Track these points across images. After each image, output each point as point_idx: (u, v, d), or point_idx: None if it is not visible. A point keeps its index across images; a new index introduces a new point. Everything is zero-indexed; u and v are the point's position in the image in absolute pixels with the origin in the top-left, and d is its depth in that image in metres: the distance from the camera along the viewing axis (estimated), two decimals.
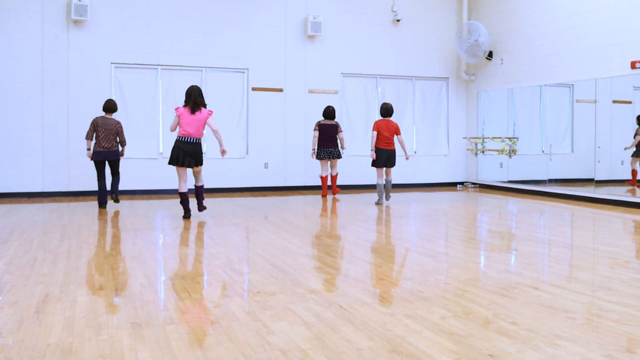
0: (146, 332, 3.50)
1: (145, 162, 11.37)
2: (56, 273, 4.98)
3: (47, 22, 10.83)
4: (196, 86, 7.99)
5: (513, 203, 10.79)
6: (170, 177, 11.61)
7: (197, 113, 7.88)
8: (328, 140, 10.92)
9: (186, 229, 7.48)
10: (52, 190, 10.96)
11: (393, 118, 12.26)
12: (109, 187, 9.59)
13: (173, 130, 8.07)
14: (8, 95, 10.68)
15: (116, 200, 9.43)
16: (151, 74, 11.59)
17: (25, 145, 10.79)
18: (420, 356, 3.13)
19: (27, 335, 3.43)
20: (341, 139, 11.04)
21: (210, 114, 8.00)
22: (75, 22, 10.94)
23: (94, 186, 11.08)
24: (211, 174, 11.06)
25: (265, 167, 12.30)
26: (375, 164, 9.92)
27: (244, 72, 12.16)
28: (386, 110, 9.99)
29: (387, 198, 10.11)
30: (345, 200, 10.81)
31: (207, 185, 11.51)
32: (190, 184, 8.87)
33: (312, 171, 12.55)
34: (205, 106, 8.00)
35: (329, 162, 11.16)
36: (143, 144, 11.21)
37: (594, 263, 5.65)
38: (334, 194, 11.28)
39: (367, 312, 3.91)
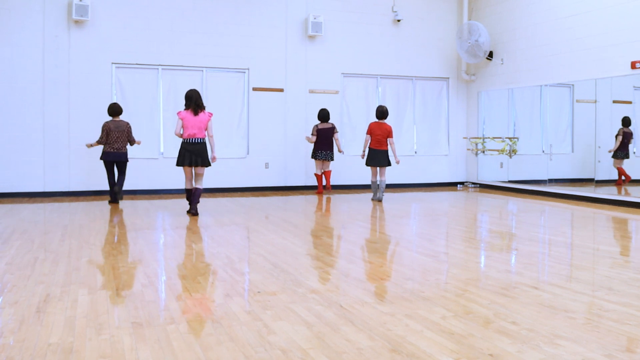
0: (147, 331, 3.51)
1: (146, 162, 11.37)
2: (57, 273, 4.99)
3: (48, 22, 10.85)
4: (195, 90, 8.37)
5: (513, 203, 10.80)
6: (171, 177, 11.65)
7: (200, 114, 8.20)
8: (325, 143, 11.49)
9: (187, 228, 7.49)
10: (53, 190, 10.98)
11: (391, 120, 12.41)
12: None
13: (178, 134, 8.30)
14: (9, 95, 10.69)
15: (119, 197, 9.76)
16: (152, 74, 11.60)
17: (26, 145, 10.80)
18: (421, 356, 3.14)
19: (28, 334, 3.44)
20: (337, 140, 11.51)
21: (211, 116, 8.30)
22: (76, 22, 10.95)
23: (94, 186, 11.12)
24: (212, 173, 11.06)
25: (265, 167, 12.31)
26: (367, 162, 10.44)
27: (244, 72, 12.17)
28: (380, 113, 10.38)
29: (380, 197, 10.43)
30: (345, 199, 10.82)
31: (208, 185, 11.52)
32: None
33: (312, 171, 12.56)
34: (204, 108, 8.31)
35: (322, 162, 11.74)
36: (144, 144, 11.18)
37: (594, 263, 5.65)
38: (327, 188, 11.83)
39: (367, 311, 3.92)
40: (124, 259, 5.66)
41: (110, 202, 9.91)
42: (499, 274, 5.05)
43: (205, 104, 11.63)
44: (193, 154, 8.17)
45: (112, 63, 11.30)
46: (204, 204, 10.04)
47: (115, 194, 9.71)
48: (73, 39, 11.00)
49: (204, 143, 8.26)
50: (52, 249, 6.04)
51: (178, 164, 8.29)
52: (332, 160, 11.63)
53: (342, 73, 12.87)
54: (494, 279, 4.88)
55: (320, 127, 11.48)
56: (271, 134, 12.33)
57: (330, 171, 11.85)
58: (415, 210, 9.82)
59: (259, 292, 4.44)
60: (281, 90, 12.39)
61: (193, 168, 8.36)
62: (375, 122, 10.37)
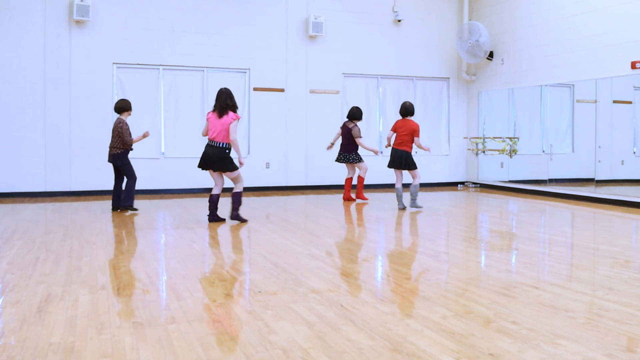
0: (148, 331, 3.52)
1: (147, 162, 11.38)
2: (58, 272, 5.00)
3: (49, 23, 10.86)
4: (225, 89, 7.75)
5: (514, 203, 10.80)
6: (172, 177, 11.66)
7: (225, 117, 7.61)
8: (343, 144, 10.52)
9: (188, 228, 7.50)
10: (54, 190, 10.99)
11: (391, 119, 12.18)
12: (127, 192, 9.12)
13: (204, 135, 7.84)
14: (10, 95, 10.70)
15: (122, 208, 8.98)
16: (153, 74, 11.61)
17: (28, 145, 10.81)
18: (422, 355, 3.15)
19: (29, 334, 3.45)
20: (361, 145, 10.34)
21: (234, 119, 7.63)
22: (77, 22, 10.96)
23: (95, 186, 11.14)
24: None
25: (266, 167, 12.31)
26: (389, 163, 9.48)
27: (245, 72, 12.18)
28: (405, 110, 9.41)
29: (411, 205, 9.43)
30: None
31: (209, 185, 11.51)
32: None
33: (313, 171, 12.58)
34: (235, 109, 7.68)
35: (352, 165, 10.65)
36: (145, 144, 11.19)
37: (595, 262, 5.66)
38: (356, 197, 10.62)
39: (368, 311, 3.93)
40: (125, 259, 5.67)
41: (112, 209, 9.09)
42: (499, 274, 5.06)
43: (205, 104, 11.78)
44: (209, 157, 7.66)
45: (113, 63, 11.31)
46: (204, 203, 10.04)
47: (116, 202, 9.03)
48: (74, 39, 11.01)
49: (223, 148, 7.62)
50: (53, 249, 6.05)
51: (198, 166, 7.85)
52: (352, 162, 10.43)
53: (343, 73, 12.88)
54: (495, 278, 4.89)
55: (345, 123, 10.53)
56: (272, 134, 12.33)
57: (361, 179, 10.56)
58: (415, 210, 9.81)
59: (259, 291, 4.45)
60: (282, 90, 12.40)
61: (214, 173, 7.84)
62: (401, 119, 9.43)
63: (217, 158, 7.68)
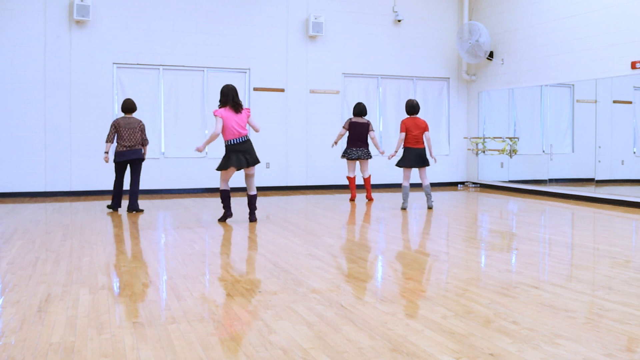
0: (148, 331, 3.52)
1: (147, 162, 11.27)
2: (58, 272, 5.00)
3: (50, 23, 10.86)
4: (231, 85, 7.63)
5: (514, 203, 10.80)
6: (172, 177, 11.66)
7: (242, 111, 7.55)
8: (358, 140, 10.38)
9: (188, 228, 7.50)
10: (54, 190, 10.99)
11: (391, 119, 12.15)
12: (125, 194, 9.18)
13: (219, 134, 7.46)
14: (11, 95, 10.71)
15: (137, 209, 8.95)
16: (153, 74, 11.61)
17: (28, 145, 10.82)
18: (422, 355, 3.15)
19: (29, 334, 3.45)
20: (373, 139, 10.46)
21: (249, 111, 7.70)
22: (78, 22, 10.96)
23: (96, 186, 11.13)
24: (213, 173, 11.07)
25: (267, 167, 12.32)
26: (401, 163, 9.31)
27: (245, 72, 12.18)
28: (412, 108, 9.31)
29: (430, 204, 9.46)
30: (346, 199, 10.80)
31: (209, 185, 11.55)
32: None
33: (313, 171, 12.58)
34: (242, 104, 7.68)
35: (356, 163, 10.72)
36: None
37: (595, 262, 5.66)
38: (367, 199, 10.67)
39: (368, 311, 3.93)
40: (125, 259, 5.67)
41: (112, 208, 9.02)
42: (499, 274, 5.06)
43: (206, 104, 11.78)
44: (245, 153, 7.52)
45: (114, 63, 11.31)
46: (204, 203, 10.06)
47: (119, 202, 8.97)
48: (74, 39, 11.01)
49: (250, 140, 7.64)
50: (53, 249, 6.05)
51: (225, 167, 7.54)
52: (370, 158, 10.47)
53: (343, 73, 12.88)
54: (495, 278, 4.89)
55: (353, 120, 10.41)
56: (272, 134, 12.33)
57: (369, 177, 10.64)
58: (416, 209, 9.81)
59: (260, 291, 4.45)
60: (282, 90, 12.40)
61: (235, 170, 7.68)
62: (409, 118, 9.28)
63: (250, 151, 7.60)
